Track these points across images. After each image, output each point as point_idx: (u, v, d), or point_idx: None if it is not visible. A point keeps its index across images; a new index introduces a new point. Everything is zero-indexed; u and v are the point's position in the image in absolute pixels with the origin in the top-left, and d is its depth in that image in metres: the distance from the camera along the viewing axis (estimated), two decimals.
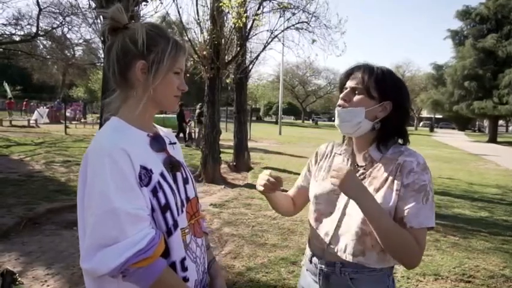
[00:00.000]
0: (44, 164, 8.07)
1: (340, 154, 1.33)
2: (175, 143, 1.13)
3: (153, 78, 0.98)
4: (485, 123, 42.32)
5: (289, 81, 48.89)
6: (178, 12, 6.76)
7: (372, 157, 1.20)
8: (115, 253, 0.83)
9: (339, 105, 1.22)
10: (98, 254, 0.84)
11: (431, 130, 46.73)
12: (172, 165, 1.02)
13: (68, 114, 19.23)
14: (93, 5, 2.96)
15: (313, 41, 8.14)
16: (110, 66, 1.00)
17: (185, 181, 1.07)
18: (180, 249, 0.96)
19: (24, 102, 29.70)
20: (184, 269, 0.97)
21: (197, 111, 13.52)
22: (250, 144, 10.71)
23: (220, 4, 6.40)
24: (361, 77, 1.18)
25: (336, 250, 1.19)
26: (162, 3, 4.48)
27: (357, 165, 1.24)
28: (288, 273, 3.23)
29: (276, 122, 36.16)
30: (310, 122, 52.72)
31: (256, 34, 8.16)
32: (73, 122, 21.07)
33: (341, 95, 1.22)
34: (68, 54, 27.94)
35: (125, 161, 0.89)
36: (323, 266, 1.23)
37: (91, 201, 0.87)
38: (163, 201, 0.94)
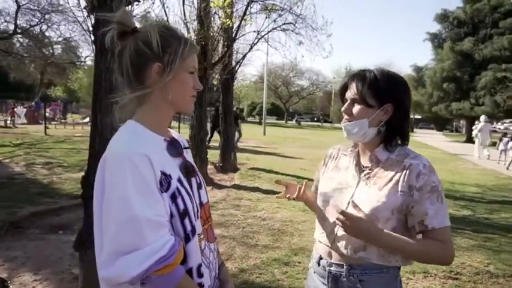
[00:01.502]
0: (24, 165, 7.82)
1: (345, 155, 1.36)
2: (188, 148, 1.12)
3: (169, 80, 0.97)
4: (462, 123, 43.66)
5: (273, 82, 49.04)
6: (165, 11, 6.68)
7: (377, 158, 1.24)
8: (136, 261, 0.82)
9: (345, 120, 1.25)
10: (118, 262, 0.83)
11: (412, 130, 47.79)
12: (188, 170, 1.01)
13: (47, 114, 18.70)
14: (83, 3, 2.89)
15: (300, 42, 8.21)
16: (124, 70, 0.99)
17: (199, 186, 1.06)
18: (197, 256, 0.96)
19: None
20: (200, 275, 0.97)
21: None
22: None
23: (210, 3, 6.36)
24: (355, 87, 1.21)
25: (339, 246, 1.22)
26: (154, 3, 4.42)
27: (363, 166, 1.27)
28: (282, 274, 3.24)
29: (259, 123, 36.24)
30: (294, 122, 53.03)
31: (243, 35, 8.16)
32: (52, 123, 20.50)
33: (342, 109, 1.25)
34: (47, 52, 27.16)
35: (146, 166, 0.87)
36: (332, 269, 1.25)
37: (110, 207, 0.85)
38: (182, 207, 0.93)
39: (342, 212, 1.13)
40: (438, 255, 1.14)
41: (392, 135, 1.23)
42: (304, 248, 3.86)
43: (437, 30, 31.81)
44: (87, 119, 21.44)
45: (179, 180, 0.95)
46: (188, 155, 1.10)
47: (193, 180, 1.04)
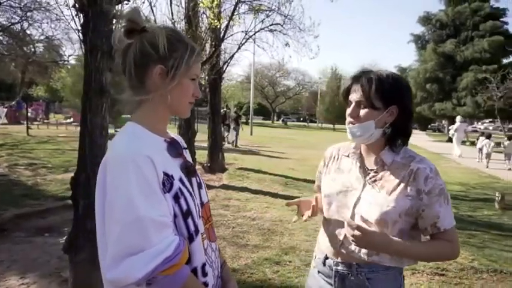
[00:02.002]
0: (7, 167, 7.63)
1: (347, 156, 1.35)
2: (186, 148, 1.12)
3: (170, 84, 0.96)
4: (444, 123, 44.65)
5: (259, 82, 49.13)
6: (152, 11, 6.61)
7: (383, 161, 1.24)
8: (142, 262, 0.82)
9: (347, 122, 1.24)
10: (123, 264, 0.82)
11: None
12: (189, 170, 1.02)
13: (29, 114, 18.24)
14: (71, 2, 2.84)
15: (287, 43, 8.25)
16: (127, 69, 0.98)
17: (199, 186, 1.07)
18: (201, 255, 0.96)
19: None
20: (205, 274, 0.97)
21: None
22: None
23: (199, 3, 6.33)
24: (362, 90, 1.20)
25: (349, 249, 1.22)
26: (144, 2, 4.36)
27: (367, 168, 1.27)
28: (273, 273, 3.26)
29: (245, 123, 36.28)
30: (280, 122, 53.23)
31: (231, 35, 8.15)
32: (35, 123, 20.02)
33: (348, 112, 1.24)
34: (28, 51, 26.46)
35: (148, 168, 0.87)
36: (339, 268, 1.26)
37: (114, 209, 0.85)
38: (185, 207, 0.93)
39: (358, 228, 1.13)
40: (448, 254, 1.23)
41: (397, 136, 1.24)
42: (295, 247, 3.89)
43: (420, 32, 32.54)
44: (71, 119, 21.02)
45: (181, 181, 0.96)
46: (187, 155, 1.10)
47: (193, 180, 1.04)
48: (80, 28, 2.75)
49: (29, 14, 18.40)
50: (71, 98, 18.82)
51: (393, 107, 1.21)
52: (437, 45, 29.28)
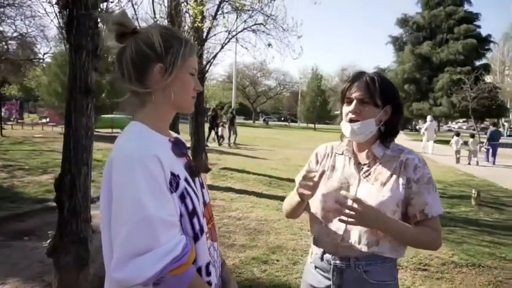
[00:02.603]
0: None
1: (341, 154, 1.39)
2: (189, 148, 1.12)
3: (171, 81, 0.97)
4: (421, 123, 45.95)
5: (241, 82, 49.16)
6: (134, 10, 6.51)
7: (374, 155, 1.30)
8: (151, 261, 0.81)
9: (351, 120, 1.27)
10: (132, 263, 0.82)
11: None
12: (193, 170, 1.02)
13: (2, 114, 17.59)
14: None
15: (269, 44, 8.28)
16: (125, 72, 0.97)
17: (201, 186, 1.07)
18: (206, 254, 0.97)
19: None
20: (209, 273, 0.98)
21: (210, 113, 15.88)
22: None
23: (181, 1, 6.28)
24: (365, 88, 1.25)
25: (350, 243, 1.26)
26: (129, 0, 4.28)
27: (360, 163, 1.33)
28: (261, 273, 3.28)
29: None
30: (261, 122, 53.40)
31: (215, 35, 8.12)
32: (8, 123, 19.35)
33: (350, 109, 1.28)
34: (0, 48, 25.49)
35: (156, 167, 0.87)
36: (337, 262, 1.29)
37: (122, 209, 0.84)
38: (190, 206, 0.93)
39: (355, 200, 1.16)
40: (433, 241, 1.26)
41: (387, 134, 1.32)
42: (281, 246, 3.93)
43: (398, 34, 33.26)
44: (47, 119, 20.40)
45: (186, 180, 0.96)
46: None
47: (196, 180, 1.04)
48: (63, 26, 2.68)
49: (1, 10, 17.74)
50: (46, 97, 18.22)
51: (388, 106, 1.28)
52: (414, 47, 30.08)
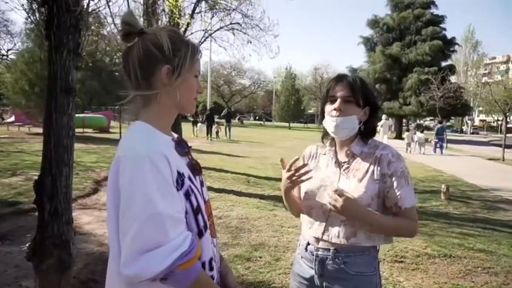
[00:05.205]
0: None
1: (324, 154, 1.49)
2: (190, 147, 1.14)
3: (177, 83, 0.99)
4: (391, 121, 47.42)
5: (215, 81, 48.89)
6: (109, 6, 6.35)
7: (352, 152, 1.40)
8: (160, 257, 0.84)
9: (333, 115, 1.36)
10: (142, 259, 0.84)
11: None
12: (195, 168, 1.04)
13: None
14: None
15: (249, 41, 8.32)
16: (131, 72, 0.99)
17: (202, 183, 1.09)
18: (209, 250, 1.00)
19: None
20: (211, 268, 1.01)
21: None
22: None
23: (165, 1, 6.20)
24: (349, 88, 1.35)
25: (330, 237, 1.35)
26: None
27: (340, 161, 1.42)
28: (245, 270, 3.31)
29: (202, 121, 35.90)
30: (236, 121, 53.38)
31: (192, 33, 8.06)
32: None
33: (335, 106, 1.37)
34: None
35: (164, 166, 0.89)
36: (319, 253, 1.39)
37: (132, 206, 0.86)
38: (195, 203, 0.96)
39: (337, 190, 1.26)
40: (410, 230, 1.36)
41: (367, 134, 1.42)
42: (263, 243, 3.98)
43: (369, 35, 34.09)
44: (13, 118, 19.48)
45: (190, 179, 0.99)
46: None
47: (197, 178, 1.07)
48: (41, 23, 2.61)
49: None
50: (12, 96, 17.41)
51: (367, 108, 1.39)
52: (385, 48, 30.93)
